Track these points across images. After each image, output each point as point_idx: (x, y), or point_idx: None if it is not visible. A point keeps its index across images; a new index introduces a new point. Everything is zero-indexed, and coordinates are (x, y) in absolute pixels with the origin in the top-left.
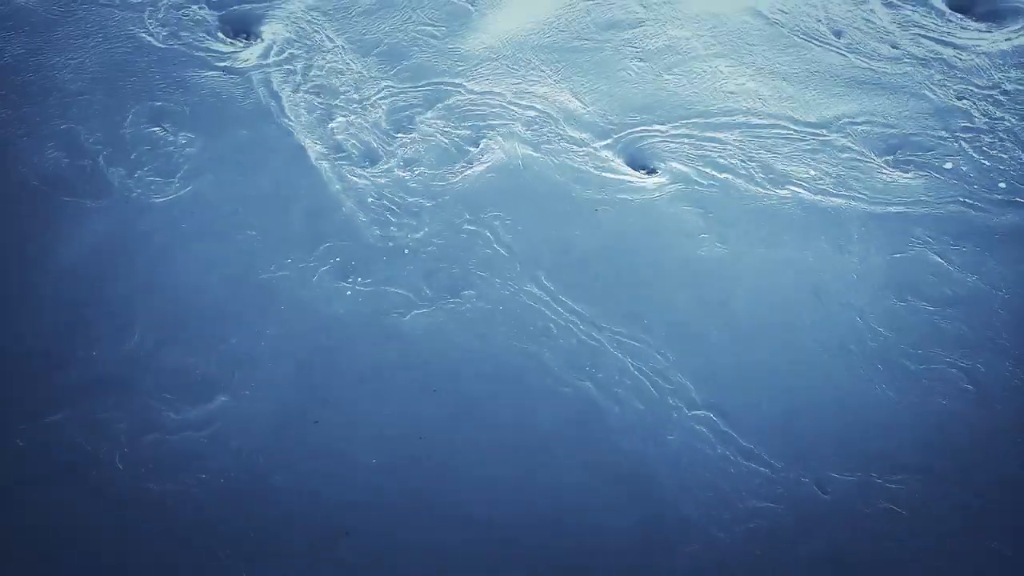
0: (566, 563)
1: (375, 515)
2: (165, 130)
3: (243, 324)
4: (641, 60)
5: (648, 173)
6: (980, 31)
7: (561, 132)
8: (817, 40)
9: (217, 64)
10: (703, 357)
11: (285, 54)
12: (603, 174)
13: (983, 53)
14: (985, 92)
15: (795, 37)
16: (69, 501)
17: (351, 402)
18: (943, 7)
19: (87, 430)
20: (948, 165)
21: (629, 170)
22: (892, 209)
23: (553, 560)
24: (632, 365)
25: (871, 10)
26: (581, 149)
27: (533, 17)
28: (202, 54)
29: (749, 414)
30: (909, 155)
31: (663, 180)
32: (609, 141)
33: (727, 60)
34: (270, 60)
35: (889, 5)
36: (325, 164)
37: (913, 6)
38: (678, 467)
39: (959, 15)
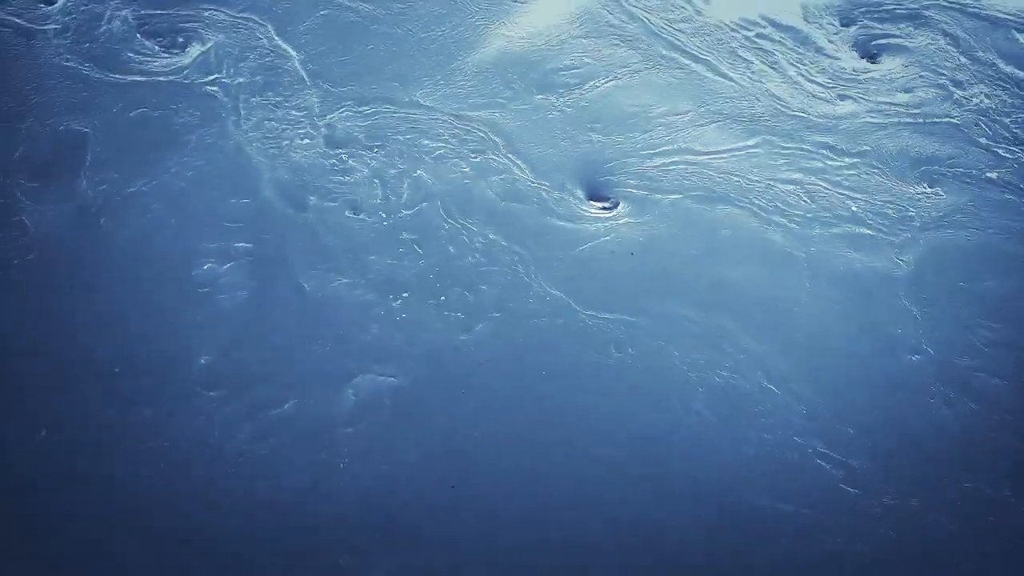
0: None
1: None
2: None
3: (288, 339)
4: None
5: (611, 207)
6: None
7: (520, 174)
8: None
9: (150, 78)
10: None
11: (228, 67)
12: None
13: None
14: (985, 106)
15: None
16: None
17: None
18: (853, 62)
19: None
20: (992, 175)
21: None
22: (940, 219)
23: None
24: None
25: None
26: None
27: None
28: (136, 66)
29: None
30: (941, 171)
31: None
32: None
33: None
34: (212, 72)
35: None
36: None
37: (836, 58)
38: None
39: (867, 62)
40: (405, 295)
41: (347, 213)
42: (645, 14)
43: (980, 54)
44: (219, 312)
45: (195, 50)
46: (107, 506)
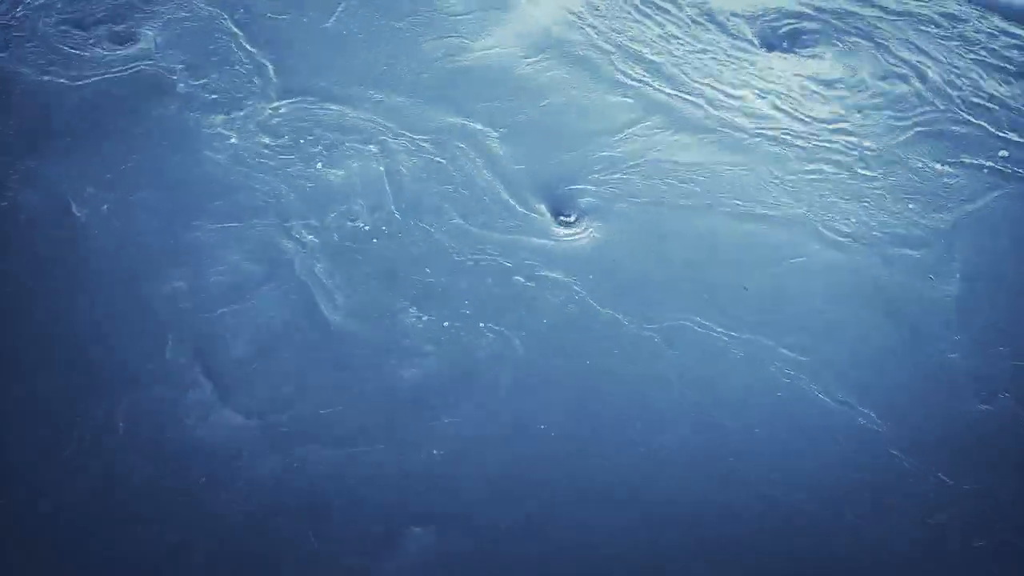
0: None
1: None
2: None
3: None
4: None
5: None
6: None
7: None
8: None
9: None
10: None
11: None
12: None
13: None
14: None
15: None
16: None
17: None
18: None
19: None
20: (1004, 153)
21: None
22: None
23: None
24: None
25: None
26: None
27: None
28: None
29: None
30: (952, 158)
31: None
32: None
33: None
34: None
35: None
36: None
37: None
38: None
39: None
40: (429, 309)
41: (327, 221)
42: (609, 35)
43: (915, 48)
44: (233, 321)
45: (139, 42)
46: (114, 510)
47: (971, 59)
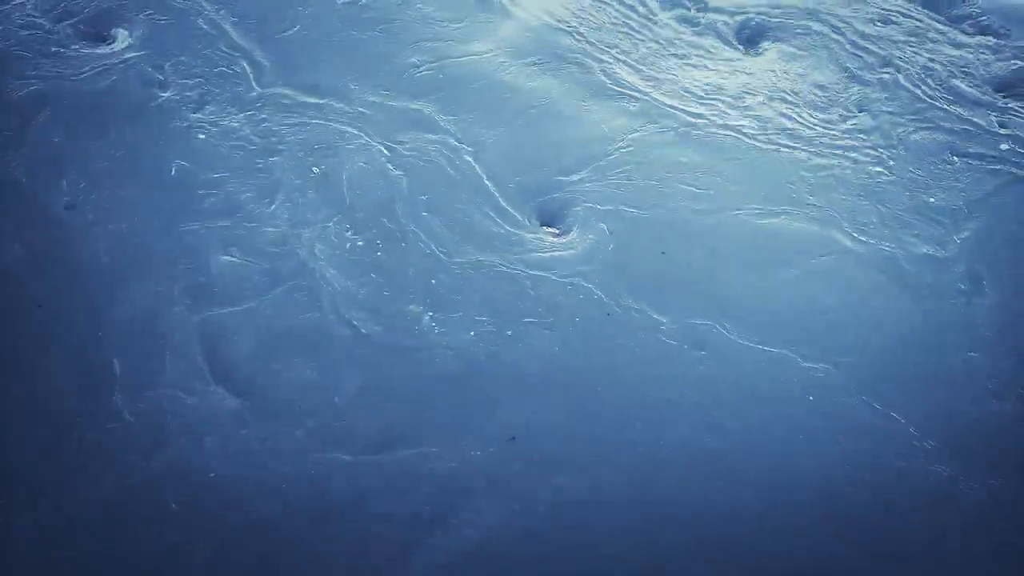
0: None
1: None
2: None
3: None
4: None
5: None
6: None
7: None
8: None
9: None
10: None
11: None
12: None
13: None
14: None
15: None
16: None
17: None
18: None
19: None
20: (1004, 146)
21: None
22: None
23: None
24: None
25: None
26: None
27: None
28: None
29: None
30: (957, 155)
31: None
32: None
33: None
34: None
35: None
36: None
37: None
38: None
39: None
40: (427, 311)
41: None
42: (597, 41)
43: (873, 48)
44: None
45: (122, 39)
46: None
47: (955, 58)
